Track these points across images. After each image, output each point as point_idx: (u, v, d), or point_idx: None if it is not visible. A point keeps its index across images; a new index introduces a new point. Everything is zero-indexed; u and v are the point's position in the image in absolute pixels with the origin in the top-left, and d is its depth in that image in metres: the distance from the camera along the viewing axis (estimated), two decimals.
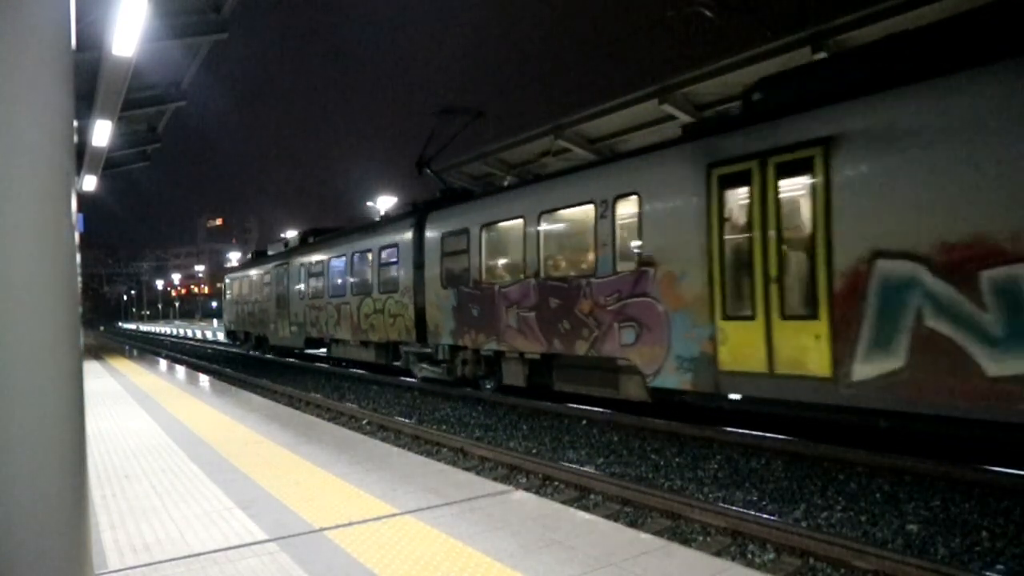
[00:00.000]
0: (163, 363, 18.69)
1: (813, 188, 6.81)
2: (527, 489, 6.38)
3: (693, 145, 8.20)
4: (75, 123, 2.33)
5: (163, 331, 67.51)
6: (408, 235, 13.87)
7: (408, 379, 14.85)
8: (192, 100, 15.14)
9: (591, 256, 9.57)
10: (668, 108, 13.85)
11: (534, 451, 8.32)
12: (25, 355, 2.06)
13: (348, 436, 6.63)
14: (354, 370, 17.71)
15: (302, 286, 19.46)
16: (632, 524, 5.50)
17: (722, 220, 7.71)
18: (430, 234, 13.14)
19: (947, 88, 5.94)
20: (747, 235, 7.46)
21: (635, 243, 8.85)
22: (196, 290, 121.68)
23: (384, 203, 29.31)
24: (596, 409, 10.10)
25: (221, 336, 37.63)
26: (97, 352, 22.76)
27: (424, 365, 13.70)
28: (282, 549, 3.41)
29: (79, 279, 2.34)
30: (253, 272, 24.77)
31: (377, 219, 16.63)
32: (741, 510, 5.51)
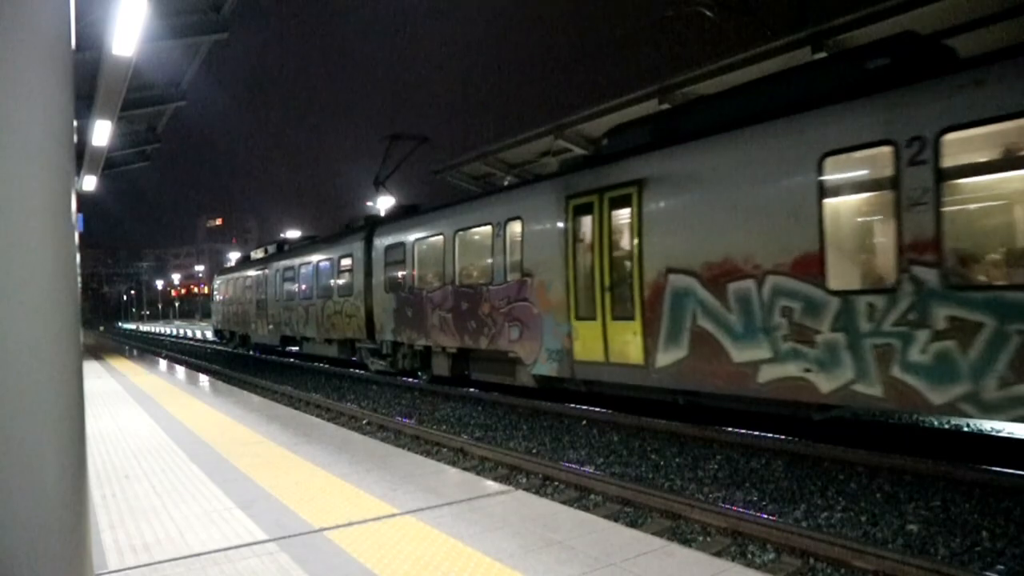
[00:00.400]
0: (163, 363, 18.69)
1: (631, 217, 8.74)
2: (527, 489, 6.38)
3: (558, 180, 10.12)
4: (75, 123, 2.33)
5: (163, 331, 67.51)
6: (360, 246, 15.98)
7: (408, 379, 15.02)
8: (192, 100, 15.17)
9: (490, 267, 11.57)
10: (668, 108, 13.84)
11: (534, 451, 8.32)
12: (25, 355, 2.06)
13: (348, 436, 6.63)
14: (354, 370, 17.75)
15: (278, 289, 21.56)
16: (632, 524, 5.50)
17: (576, 240, 9.67)
18: (376, 246, 15.31)
19: (707, 146, 7.91)
20: (590, 253, 9.42)
21: (519, 257, 10.75)
22: (196, 290, 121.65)
23: (384, 203, 29.23)
24: (596, 409, 10.10)
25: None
26: (97, 352, 22.77)
27: (374, 359, 15.93)
28: (282, 549, 3.41)
29: (79, 279, 2.34)
30: (237, 275, 26.68)
31: (338, 231, 18.91)
32: (741, 510, 5.51)
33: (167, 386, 11.56)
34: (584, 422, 9.81)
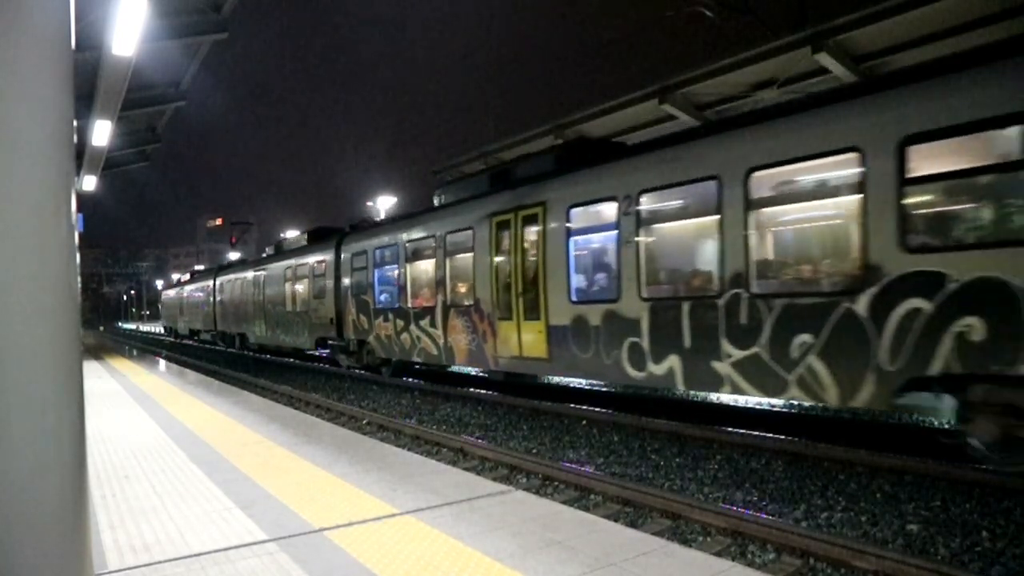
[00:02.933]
0: (163, 363, 18.69)
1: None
2: (527, 489, 6.37)
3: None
4: (75, 123, 2.32)
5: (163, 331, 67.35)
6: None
7: (408, 379, 15.06)
8: (192, 100, 15.16)
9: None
10: (668, 108, 13.84)
11: (534, 451, 8.31)
12: (25, 355, 2.06)
13: (348, 436, 6.63)
14: (354, 371, 17.76)
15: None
16: (632, 524, 5.50)
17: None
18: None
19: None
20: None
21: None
22: None
23: (384, 203, 29.27)
24: (596, 409, 10.10)
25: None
26: (97, 352, 22.77)
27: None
28: (282, 549, 3.41)
29: (79, 279, 2.34)
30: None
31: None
32: (741, 510, 5.51)
33: (167, 386, 11.56)
34: (584, 422, 9.80)
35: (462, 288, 12.32)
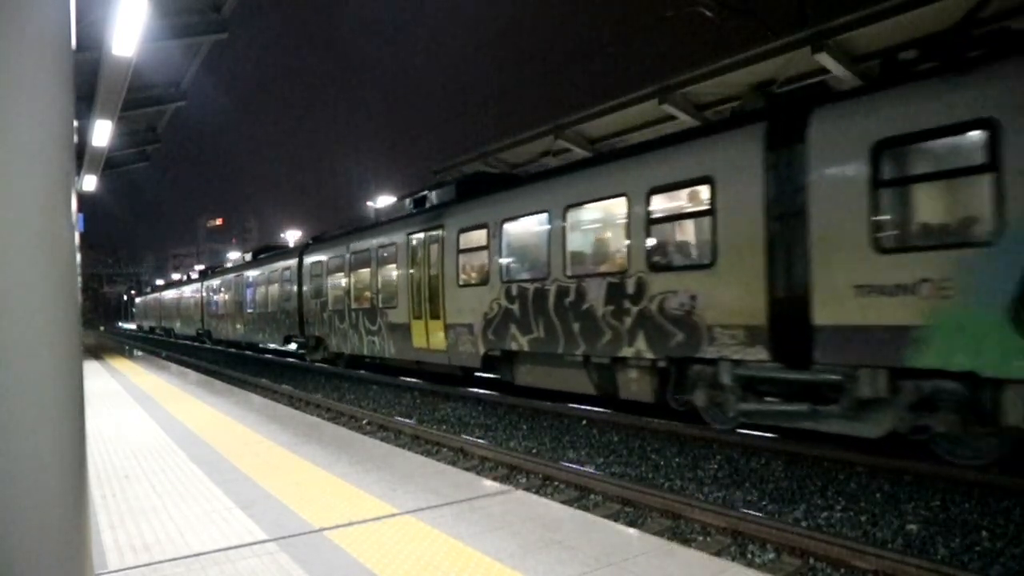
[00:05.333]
0: (163, 363, 18.69)
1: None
2: (527, 489, 6.37)
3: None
4: (75, 123, 2.33)
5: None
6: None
7: (408, 379, 15.10)
8: (192, 100, 15.14)
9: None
10: (668, 108, 13.83)
11: (534, 451, 8.32)
12: (25, 355, 2.06)
13: (348, 436, 6.63)
14: (354, 371, 17.79)
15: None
16: (632, 524, 5.50)
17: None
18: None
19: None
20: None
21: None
22: None
23: (384, 203, 29.25)
24: (596, 409, 10.10)
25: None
26: (97, 352, 22.77)
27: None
28: (282, 549, 3.41)
29: (79, 279, 2.34)
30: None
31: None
32: (741, 510, 5.51)
33: (167, 386, 11.56)
34: (584, 422, 9.80)
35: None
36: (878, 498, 5.93)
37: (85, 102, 11.56)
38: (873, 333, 6.33)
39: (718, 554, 4.67)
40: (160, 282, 63.85)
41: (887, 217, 6.51)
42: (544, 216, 10.28)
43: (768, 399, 7.60)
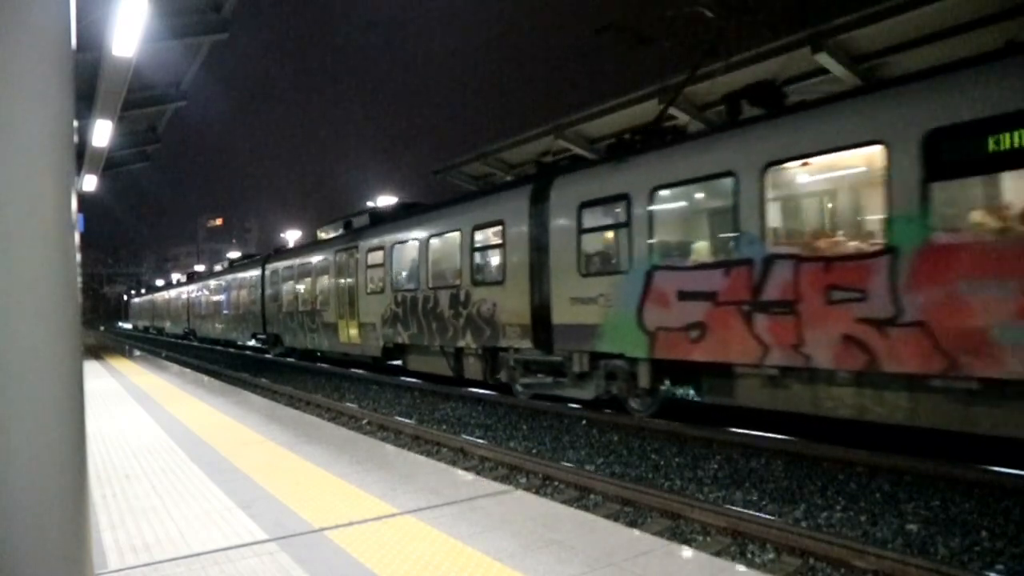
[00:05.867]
0: (163, 363, 18.69)
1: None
2: (527, 489, 6.38)
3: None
4: (75, 123, 2.33)
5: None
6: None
7: (408, 379, 15.12)
8: (192, 100, 15.16)
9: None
10: (669, 108, 13.79)
11: (534, 451, 8.32)
12: (25, 355, 2.06)
13: (348, 436, 6.63)
14: (354, 370, 17.83)
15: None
16: (632, 524, 5.50)
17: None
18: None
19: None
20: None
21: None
22: None
23: (384, 203, 29.26)
24: (596, 409, 10.10)
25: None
26: (97, 352, 22.76)
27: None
28: (282, 549, 3.41)
29: (79, 279, 2.34)
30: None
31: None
32: (741, 510, 5.51)
33: (167, 386, 11.56)
34: (584, 422, 9.81)
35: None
36: (878, 498, 5.93)
37: (85, 102, 11.56)
38: (580, 329, 9.64)
39: (718, 554, 4.67)
40: (160, 283, 68.42)
41: (585, 253, 9.78)
42: (416, 243, 13.90)
43: (538, 375, 11.00)
